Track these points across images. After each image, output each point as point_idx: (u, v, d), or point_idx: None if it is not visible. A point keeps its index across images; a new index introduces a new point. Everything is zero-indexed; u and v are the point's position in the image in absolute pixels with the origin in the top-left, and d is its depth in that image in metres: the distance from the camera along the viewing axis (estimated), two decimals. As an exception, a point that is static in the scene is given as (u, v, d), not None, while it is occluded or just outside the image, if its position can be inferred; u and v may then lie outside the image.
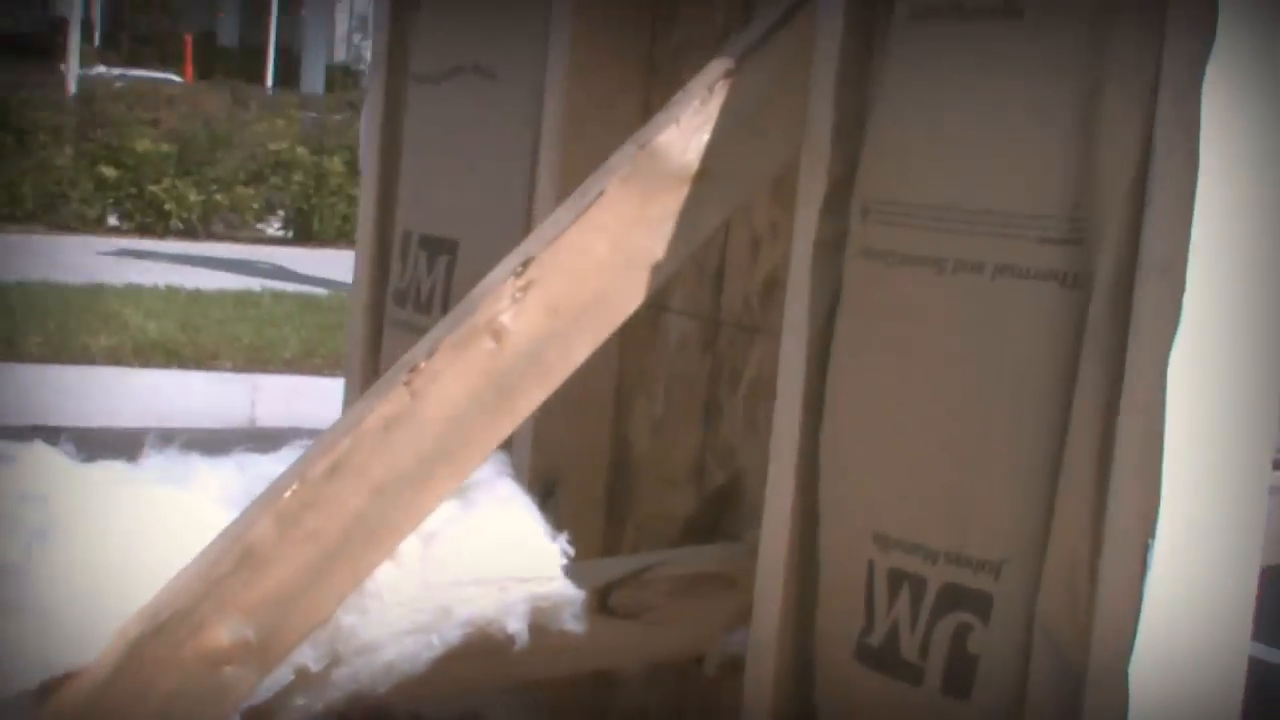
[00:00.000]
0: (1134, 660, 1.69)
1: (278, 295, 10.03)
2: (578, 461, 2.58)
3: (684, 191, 2.04)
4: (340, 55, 38.96)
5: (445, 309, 2.68)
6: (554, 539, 2.05)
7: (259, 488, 1.94)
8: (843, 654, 2.01)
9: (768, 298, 2.36)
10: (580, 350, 2.02)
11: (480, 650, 1.98)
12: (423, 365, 1.93)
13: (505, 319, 1.96)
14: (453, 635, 1.96)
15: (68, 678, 1.78)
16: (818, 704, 2.05)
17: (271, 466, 1.99)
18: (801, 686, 2.10)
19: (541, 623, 2.00)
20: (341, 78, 33.67)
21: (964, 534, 1.87)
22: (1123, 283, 1.72)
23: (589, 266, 2.00)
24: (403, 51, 2.90)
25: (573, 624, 2.03)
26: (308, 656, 1.93)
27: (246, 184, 15.12)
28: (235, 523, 1.88)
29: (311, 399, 7.62)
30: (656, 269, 2.05)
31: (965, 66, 1.88)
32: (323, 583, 1.90)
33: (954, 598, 1.87)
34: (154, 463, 1.97)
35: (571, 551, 2.04)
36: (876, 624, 1.96)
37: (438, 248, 2.70)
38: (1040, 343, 1.80)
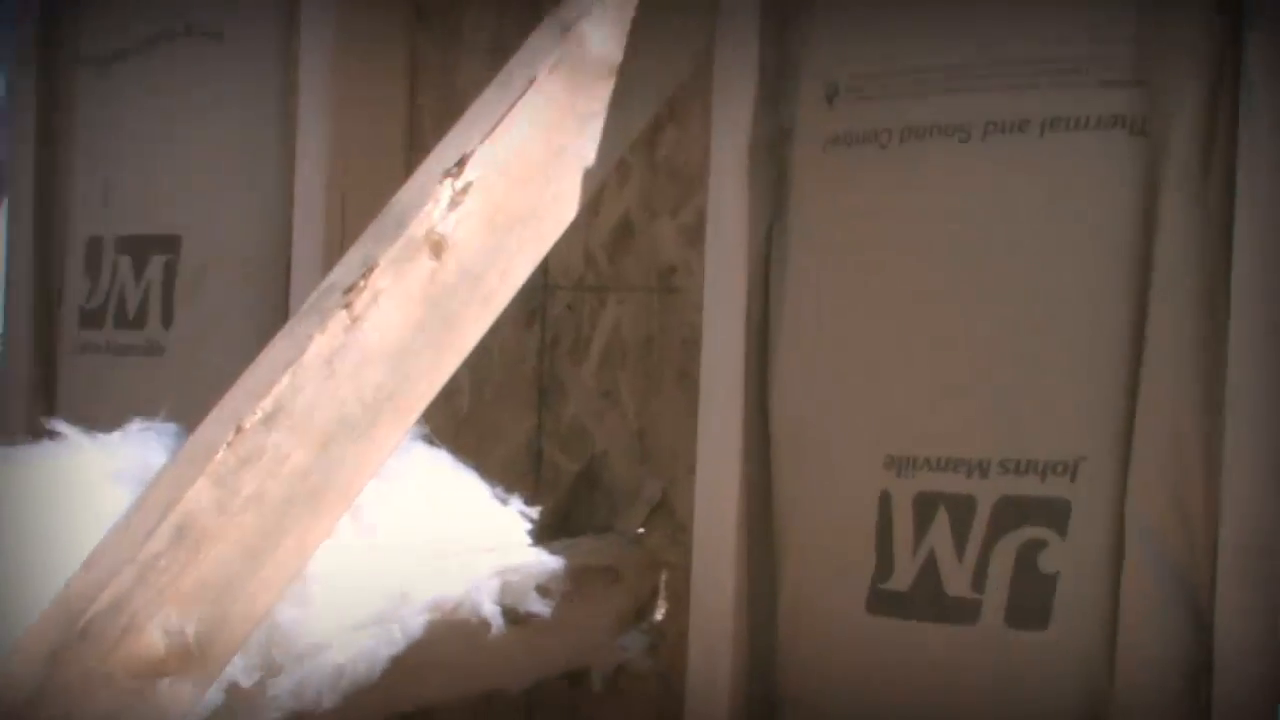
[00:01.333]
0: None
1: None
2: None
3: (610, 85, 1.72)
4: None
5: (168, 318, 2.23)
6: (505, 502, 1.67)
7: (157, 458, 1.50)
8: (846, 610, 1.70)
9: (620, 250, 2.05)
10: (519, 271, 1.67)
11: (450, 641, 1.58)
12: (361, 284, 1.54)
13: (445, 228, 1.59)
14: (415, 624, 1.55)
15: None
16: (813, 673, 1.73)
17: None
18: (765, 668, 1.78)
19: (511, 604, 1.62)
20: None
21: (1020, 437, 1.61)
22: (1218, 113, 1.52)
23: (525, 167, 1.65)
24: (59, 34, 2.43)
25: (539, 606, 1.65)
26: (238, 668, 1.48)
27: None
28: (158, 486, 1.43)
29: None
30: (589, 175, 1.72)
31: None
32: (265, 561, 1.47)
33: (1016, 512, 1.61)
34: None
35: (533, 515, 1.66)
36: (899, 564, 1.67)
37: (149, 247, 2.24)
38: (1108, 199, 1.57)
